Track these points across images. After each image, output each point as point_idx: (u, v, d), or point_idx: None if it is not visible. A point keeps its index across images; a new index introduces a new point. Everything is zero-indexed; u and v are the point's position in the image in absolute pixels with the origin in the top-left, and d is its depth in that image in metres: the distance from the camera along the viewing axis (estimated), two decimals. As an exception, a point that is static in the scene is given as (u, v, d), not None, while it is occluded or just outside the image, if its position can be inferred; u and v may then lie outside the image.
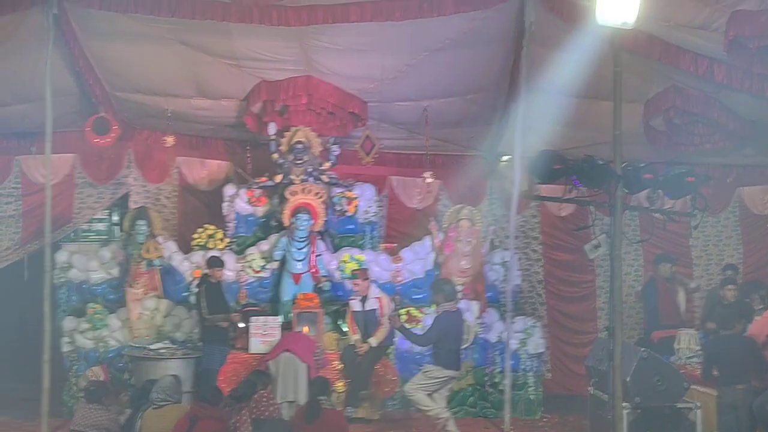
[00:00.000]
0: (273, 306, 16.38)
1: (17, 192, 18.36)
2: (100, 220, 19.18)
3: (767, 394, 11.32)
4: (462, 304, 15.12)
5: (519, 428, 15.15)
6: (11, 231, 18.18)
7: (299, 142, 17.04)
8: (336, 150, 17.37)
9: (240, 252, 16.92)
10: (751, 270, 18.48)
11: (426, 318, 15.71)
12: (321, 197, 16.78)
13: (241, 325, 15.35)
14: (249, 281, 16.57)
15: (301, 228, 16.25)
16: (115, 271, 16.99)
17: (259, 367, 14.42)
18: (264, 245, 16.80)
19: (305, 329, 15.23)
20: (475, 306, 16.32)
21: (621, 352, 9.94)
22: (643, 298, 17.17)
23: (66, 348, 16.33)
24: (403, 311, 15.96)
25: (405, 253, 17.03)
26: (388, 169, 19.38)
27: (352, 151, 17.83)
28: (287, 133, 17.22)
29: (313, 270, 16.22)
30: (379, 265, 16.72)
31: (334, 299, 16.38)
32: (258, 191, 17.19)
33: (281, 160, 17.13)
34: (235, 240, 17.25)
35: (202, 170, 19.18)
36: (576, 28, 13.09)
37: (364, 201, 17.41)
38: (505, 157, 17.96)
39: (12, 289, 17.97)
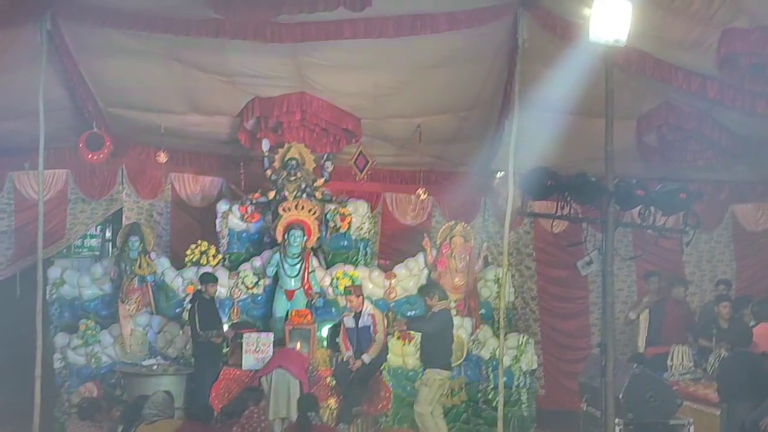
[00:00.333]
0: (266, 322, 16.32)
1: (10, 208, 18.26)
2: (93, 236, 19.20)
3: (760, 410, 11.27)
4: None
5: (512, 445, 15.16)
6: (3, 247, 18.09)
7: (293, 159, 17.06)
8: (329, 166, 17.37)
9: (233, 268, 16.89)
10: (744, 286, 18.48)
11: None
12: (314, 214, 16.76)
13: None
14: (242, 297, 16.53)
15: (294, 244, 16.22)
16: (108, 287, 16.94)
17: (251, 383, 14.39)
18: (257, 261, 16.77)
19: (298, 345, 15.19)
20: (468, 322, 16.30)
21: (613, 369, 9.93)
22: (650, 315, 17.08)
23: (58, 364, 16.28)
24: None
25: (398, 269, 17.02)
26: (381, 186, 19.40)
27: (346, 168, 17.85)
28: (281, 150, 17.25)
29: (306, 286, 16.18)
30: (373, 281, 16.71)
31: (326, 316, 16.33)
32: (251, 207, 17.18)
33: (274, 177, 17.14)
34: (227, 256, 17.24)
35: (195, 186, 19.16)
36: (569, 46, 13.15)
37: (358, 217, 17.39)
38: (498, 174, 17.95)
39: (4, 305, 17.89)
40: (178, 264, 17.09)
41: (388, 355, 15.47)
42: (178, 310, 16.59)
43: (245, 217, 17.19)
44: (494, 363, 15.51)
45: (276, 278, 16.38)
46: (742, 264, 19.13)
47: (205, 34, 14.15)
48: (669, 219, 10.36)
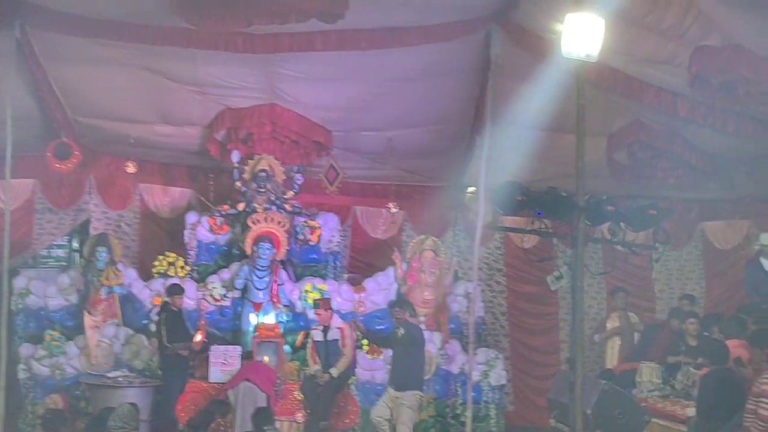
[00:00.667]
0: (234, 335, 16.22)
1: (-24, 217, 18.13)
2: (60, 246, 19.08)
3: (732, 424, 11.24)
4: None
5: (480, 460, 15.12)
6: (-31, 256, 17.94)
7: (263, 171, 16.98)
8: (299, 179, 17.29)
9: (201, 280, 16.78)
10: (713, 304, 18.51)
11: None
12: (284, 226, 16.68)
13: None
14: (209, 310, 16.41)
15: (263, 257, 16.14)
16: (74, 298, 16.78)
17: (218, 396, 14.29)
18: (225, 273, 16.69)
19: (266, 359, 15.10)
20: (437, 337, 16.25)
21: (582, 385, 9.89)
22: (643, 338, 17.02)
23: (22, 375, 16.10)
24: (365, 342, 15.88)
25: (368, 283, 16.97)
26: (352, 199, 19.35)
27: (316, 180, 17.79)
28: (251, 161, 17.17)
29: (275, 299, 16.09)
30: (342, 295, 16.64)
31: (295, 329, 16.25)
32: (220, 219, 17.08)
33: (244, 188, 17.06)
34: (196, 268, 17.13)
35: (164, 197, 19.06)
36: (541, 61, 13.15)
37: (327, 230, 17.34)
38: (470, 189, 17.95)
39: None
40: (146, 275, 16.99)
41: (357, 369, 15.40)
42: (144, 322, 16.48)
43: (214, 228, 17.10)
44: (463, 378, 15.48)
45: (244, 291, 16.29)
46: (711, 282, 19.19)
47: (176, 44, 14.09)
48: (639, 235, 10.38)
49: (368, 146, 17.67)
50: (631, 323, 17.26)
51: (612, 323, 17.26)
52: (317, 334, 14.92)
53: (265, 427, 12.04)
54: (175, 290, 15.52)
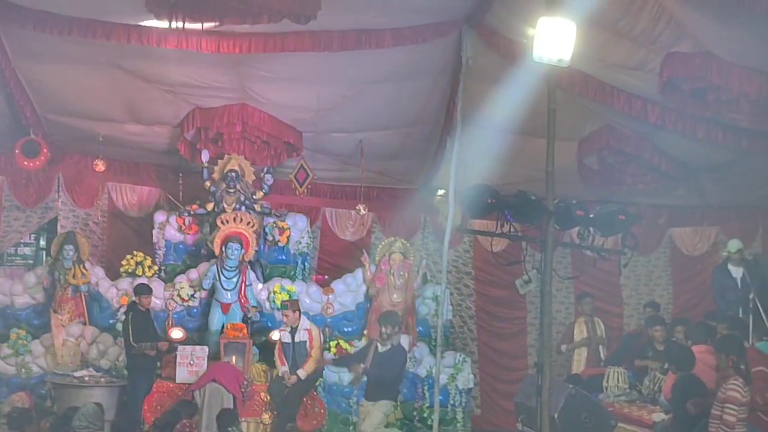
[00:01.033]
0: (201, 335, 16.15)
1: (-58, 214, 18.01)
2: (27, 244, 18.98)
3: (701, 426, 11.26)
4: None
5: (447, 463, 15.10)
6: (-66, 253, 17.83)
7: (232, 171, 16.92)
8: (269, 179, 17.23)
9: (169, 280, 16.70)
10: (680, 311, 18.52)
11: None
12: (253, 227, 16.62)
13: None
14: (177, 310, 16.33)
15: (232, 257, 16.06)
16: (41, 296, 16.69)
17: (184, 396, 14.22)
18: (193, 273, 16.62)
19: (233, 360, 15.03)
20: (405, 340, 16.21)
21: (549, 389, 9.90)
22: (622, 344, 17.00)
23: (-13, 373, 16.00)
24: (332, 343, 15.86)
25: (336, 285, 16.94)
26: (321, 201, 19.31)
27: (286, 181, 17.74)
28: (220, 161, 17.11)
29: (243, 300, 16.02)
30: (310, 296, 16.63)
31: (263, 329, 16.19)
32: (189, 219, 17.03)
33: (213, 188, 16.99)
34: (164, 267, 17.06)
35: (132, 196, 18.94)
36: (512, 65, 13.20)
37: (297, 231, 17.29)
38: (440, 192, 17.94)
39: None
40: (113, 274, 16.94)
41: (324, 371, 15.37)
42: (111, 321, 16.42)
43: (182, 228, 17.04)
44: (430, 381, 15.49)
45: (212, 291, 16.22)
46: (678, 288, 19.22)
47: (147, 43, 14.04)
48: (608, 240, 10.38)
49: (339, 148, 17.66)
50: (597, 332, 17.19)
51: (579, 328, 17.24)
52: (285, 336, 14.87)
53: (229, 428, 11.98)
54: (143, 290, 15.44)
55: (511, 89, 13.45)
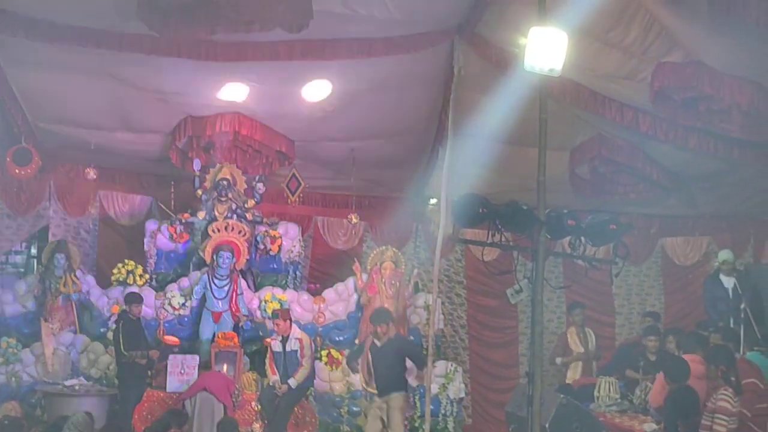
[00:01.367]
0: (192, 344, 16.11)
1: (-69, 222, 17.96)
2: (18, 253, 18.96)
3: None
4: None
5: (438, 473, 15.07)
6: (-75, 261, 17.79)
7: (224, 179, 16.93)
8: (261, 188, 17.22)
9: (160, 288, 16.67)
10: (672, 320, 18.55)
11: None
12: (244, 235, 16.62)
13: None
14: (168, 318, 16.30)
15: (223, 266, 16.05)
16: (31, 305, 16.66)
17: (175, 406, 14.19)
18: (185, 282, 16.59)
19: (224, 368, 15.00)
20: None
21: (540, 398, 9.88)
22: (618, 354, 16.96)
23: (-22, 382, 15.94)
24: (324, 352, 15.84)
25: (328, 293, 16.92)
26: (313, 209, 19.33)
27: (278, 190, 17.74)
28: (212, 170, 17.11)
29: (234, 309, 16.00)
30: (301, 305, 16.60)
31: (254, 338, 16.16)
32: (180, 227, 17.01)
33: (205, 197, 17.00)
34: (155, 276, 17.03)
35: (124, 204, 18.94)
36: (504, 74, 13.21)
37: (288, 240, 17.28)
38: (431, 201, 17.95)
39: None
40: (105, 283, 16.90)
41: (315, 380, 15.35)
42: (102, 330, 16.38)
43: (174, 237, 17.02)
44: (421, 390, 15.42)
45: (203, 300, 16.20)
46: (670, 298, 19.26)
47: (139, 51, 13.99)
48: (599, 250, 10.37)
49: (330, 156, 17.65)
50: (589, 343, 17.14)
51: (572, 339, 17.18)
52: (276, 345, 14.84)
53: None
54: (134, 298, 15.41)
55: (503, 98, 13.46)
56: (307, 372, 14.73)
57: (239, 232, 16.56)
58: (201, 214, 16.97)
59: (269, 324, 15.73)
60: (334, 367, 15.72)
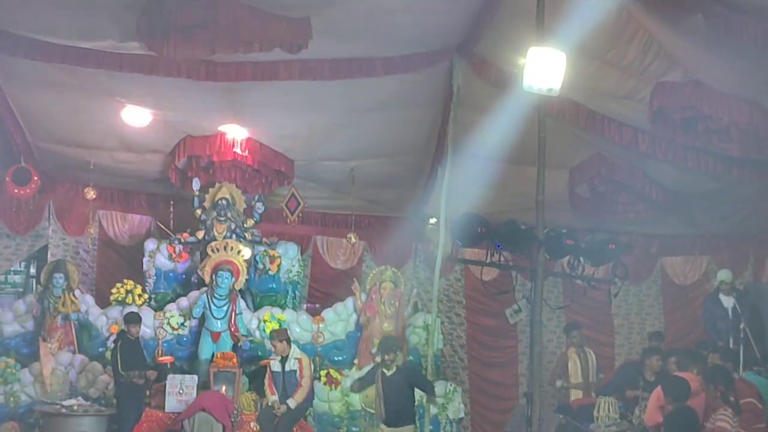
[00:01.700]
0: (190, 364, 16.08)
1: (-69, 242, 17.95)
2: (17, 272, 18.88)
3: None
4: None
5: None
6: (-76, 281, 17.77)
7: (223, 199, 16.93)
8: (260, 208, 17.21)
9: (159, 308, 16.63)
10: (672, 340, 18.47)
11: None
12: (243, 255, 16.60)
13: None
14: (167, 338, 16.27)
15: (222, 285, 16.03)
16: (30, 325, 16.60)
17: (173, 426, 14.16)
18: (183, 302, 16.56)
19: (223, 389, 14.97)
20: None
21: (540, 419, 9.87)
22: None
23: (-24, 402, 15.90)
24: (323, 372, 15.81)
25: (327, 313, 16.89)
26: (312, 229, 19.27)
27: (277, 210, 17.73)
28: (211, 189, 17.11)
29: (233, 329, 15.97)
30: (300, 325, 16.57)
31: (253, 358, 16.13)
32: (179, 247, 17.02)
33: (204, 216, 16.98)
34: (154, 296, 17.00)
35: (123, 224, 18.90)
36: (503, 94, 13.21)
37: (287, 260, 17.27)
38: (431, 220, 17.93)
39: None
40: (103, 303, 16.85)
41: (314, 401, 15.32)
42: (101, 350, 16.32)
43: (173, 256, 17.01)
44: (421, 411, 15.39)
45: (202, 319, 16.17)
46: (670, 317, 19.23)
47: (138, 71, 14.00)
48: (598, 269, 10.37)
49: (330, 176, 17.65)
50: (589, 363, 17.05)
51: (572, 360, 17.07)
52: (275, 365, 14.81)
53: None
54: (132, 318, 15.36)
55: (502, 118, 13.48)
56: (306, 392, 14.68)
57: (238, 251, 16.56)
58: (200, 234, 16.95)
59: (268, 344, 15.70)
60: (333, 387, 15.67)
